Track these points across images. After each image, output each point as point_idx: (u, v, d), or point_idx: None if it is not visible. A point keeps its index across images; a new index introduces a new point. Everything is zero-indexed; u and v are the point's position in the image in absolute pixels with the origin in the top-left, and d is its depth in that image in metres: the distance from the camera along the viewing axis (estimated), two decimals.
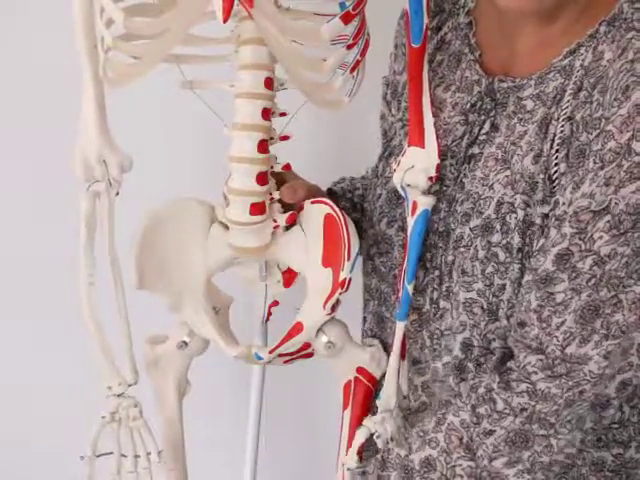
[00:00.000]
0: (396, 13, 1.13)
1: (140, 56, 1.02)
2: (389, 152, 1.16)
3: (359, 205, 1.24)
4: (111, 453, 1.16)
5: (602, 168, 0.91)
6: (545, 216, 0.97)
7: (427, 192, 1.04)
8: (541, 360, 0.94)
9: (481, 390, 0.99)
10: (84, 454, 1.16)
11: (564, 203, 0.94)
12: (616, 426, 1.04)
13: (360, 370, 1.12)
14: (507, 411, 0.96)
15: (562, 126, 0.97)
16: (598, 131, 0.92)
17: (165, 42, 1.00)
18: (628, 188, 0.89)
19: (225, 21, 0.95)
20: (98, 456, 1.16)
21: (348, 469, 1.08)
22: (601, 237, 0.90)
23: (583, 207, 0.91)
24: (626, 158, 0.89)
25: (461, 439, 0.99)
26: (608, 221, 0.90)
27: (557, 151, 0.97)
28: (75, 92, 1.09)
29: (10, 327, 1.68)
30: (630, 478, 1.06)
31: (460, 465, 0.99)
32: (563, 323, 0.92)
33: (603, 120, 0.92)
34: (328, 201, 1.08)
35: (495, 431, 0.97)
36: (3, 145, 1.60)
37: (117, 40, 1.01)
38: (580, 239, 0.91)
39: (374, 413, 1.09)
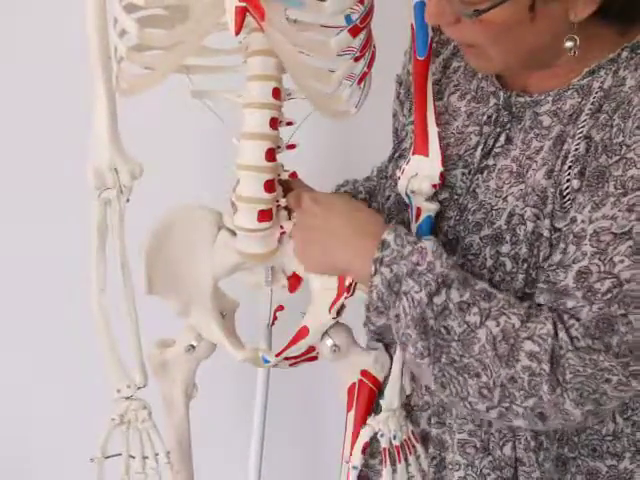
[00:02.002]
0: (399, 25, 1.15)
1: (153, 67, 1.05)
2: (399, 154, 1.18)
3: None
4: (119, 454, 1.19)
5: (625, 195, 0.92)
6: (554, 229, 0.98)
7: (431, 199, 1.07)
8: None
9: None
10: (93, 456, 1.18)
11: (583, 221, 0.95)
12: (610, 438, 1.06)
13: (364, 373, 1.15)
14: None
15: (577, 144, 0.99)
16: (619, 157, 0.94)
17: (178, 53, 1.03)
18: None
19: (237, 34, 0.98)
20: (107, 458, 1.18)
21: (353, 467, 1.11)
22: (622, 261, 0.91)
23: (604, 228, 0.93)
24: None
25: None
26: (630, 246, 0.91)
27: (570, 167, 0.99)
28: (87, 99, 1.11)
29: (19, 328, 1.70)
30: None
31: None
32: (582, 323, 0.92)
33: (624, 147, 0.94)
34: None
35: None
36: (13, 151, 1.62)
37: (130, 51, 1.04)
38: (600, 260, 0.92)
39: (378, 413, 1.12)
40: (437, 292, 0.96)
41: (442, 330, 0.95)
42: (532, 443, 1.06)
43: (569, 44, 0.98)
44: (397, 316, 0.98)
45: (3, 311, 1.70)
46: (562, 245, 0.97)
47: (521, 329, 0.93)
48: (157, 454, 1.18)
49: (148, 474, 1.18)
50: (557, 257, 0.97)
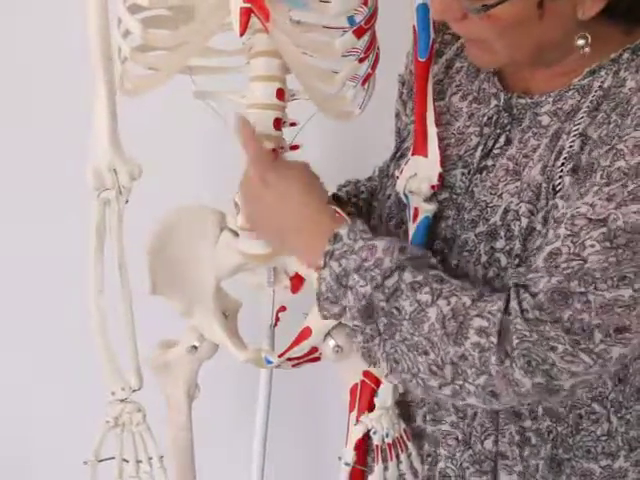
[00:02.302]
0: (402, 27, 1.15)
1: (157, 67, 1.04)
2: (401, 153, 1.18)
3: (364, 209, 1.26)
4: (113, 458, 1.18)
5: (608, 185, 0.93)
6: (545, 220, 0.99)
7: (429, 199, 1.08)
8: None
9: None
10: (86, 459, 1.17)
11: (563, 206, 0.97)
12: (605, 438, 1.07)
13: (366, 373, 1.15)
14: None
15: (572, 141, 1.00)
16: (608, 147, 0.95)
17: (182, 54, 1.03)
18: (630, 207, 0.91)
19: (242, 34, 0.99)
20: (100, 461, 1.18)
21: (345, 464, 1.12)
22: (592, 245, 0.92)
23: (580, 213, 0.94)
24: (632, 180, 0.92)
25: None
26: (603, 232, 0.92)
27: (563, 164, 1.00)
28: (87, 99, 1.11)
29: (18, 328, 1.69)
30: None
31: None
32: (536, 295, 0.93)
33: (616, 137, 0.95)
34: (337, 208, 1.11)
35: None
36: (12, 151, 1.62)
37: (134, 51, 1.03)
38: (572, 242, 0.93)
39: (371, 410, 1.13)
40: (390, 276, 0.96)
41: (394, 311, 0.96)
42: (516, 437, 1.06)
43: (581, 42, 0.98)
44: (344, 308, 0.99)
45: (2, 311, 1.69)
46: (544, 231, 0.98)
47: (471, 307, 0.94)
48: (151, 458, 1.18)
49: (142, 478, 1.18)
50: (537, 242, 0.98)
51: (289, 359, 1.13)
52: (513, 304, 0.93)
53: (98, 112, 1.11)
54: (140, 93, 1.07)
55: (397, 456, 1.13)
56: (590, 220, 0.93)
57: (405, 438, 1.13)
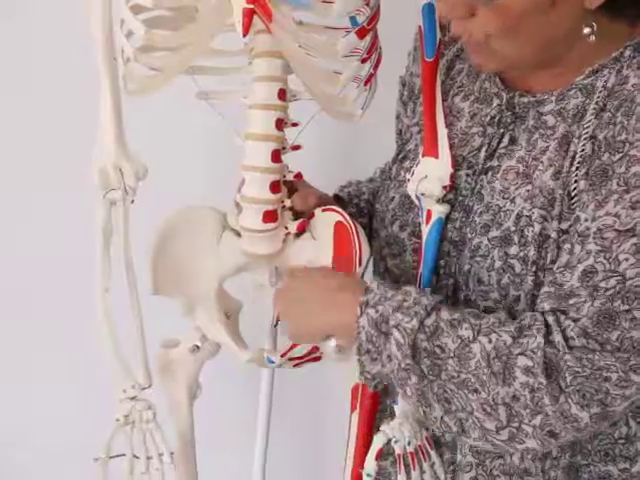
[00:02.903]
0: (404, 28, 1.16)
1: (160, 68, 1.05)
2: (403, 155, 1.18)
3: (366, 210, 1.26)
4: (123, 455, 1.19)
5: (627, 192, 0.93)
6: (562, 231, 0.99)
7: (441, 201, 1.07)
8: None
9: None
10: (97, 456, 1.18)
11: (587, 219, 0.95)
12: (623, 441, 1.06)
13: None
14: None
15: (584, 145, 0.99)
16: (622, 154, 0.95)
17: (186, 55, 1.03)
18: None
19: (245, 35, 0.99)
20: (111, 458, 1.18)
21: (367, 475, 1.09)
22: (627, 259, 0.92)
23: (607, 225, 0.93)
24: None
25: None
26: (635, 243, 0.91)
27: (577, 169, 0.99)
28: (93, 100, 1.12)
29: (23, 330, 1.70)
30: None
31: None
32: (578, 320, 0.93)
33: (627, 144, 0.94)
34: (339, 209, 1.11)
35: None
36: (19, 151, 1.62)
37: (137, 52, 1.04)
38: (605, 258, 0.93)
39: (390, 417, 1.12)
40: (427, 316, 0.96)
41: (437, 350, 0.95)
42: (539, 452, 1.05)
43: (587, 30, 0.98)
44: (389, 356, 0.97)
45: (7, 311, 1.70)
46: (568, 245, 0.97)
47: (513, 345, 0.93)
48: (161, 454, 1.19)
49: (152, 474, 1.19)
50: (564, 258, 0.97)
51: (290, 359, 1.13)
52: (557, 337, 0.92)
53: (104, 112, 1.12)
54: (144, 94, 1.08)
55: (420, 465, 1.10)
56: (619, 232, 0.92)
57: (428, 446, 1.11)
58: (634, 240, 0.91)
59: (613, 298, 0.91)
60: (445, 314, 0.96)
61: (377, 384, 1.04)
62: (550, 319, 0.94)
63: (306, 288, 1.06)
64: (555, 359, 0.92)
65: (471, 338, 0.94)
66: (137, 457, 1.18)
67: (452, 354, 0.94)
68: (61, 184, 1.55)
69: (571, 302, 0.94)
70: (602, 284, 0.92)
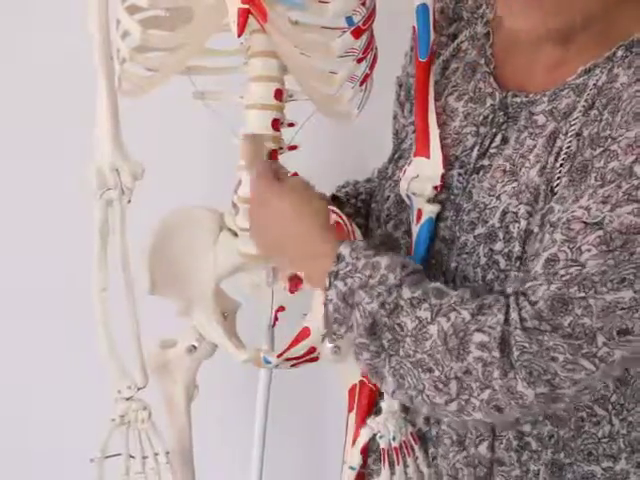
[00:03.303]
0: (399, 28, 1.16)
1: (156, 68, 1.05)
2: (399, 155, 1.18)
3: (363, 210, 1.26)
4: (119, 455, 1.19)
5: (602, 186, 0.93)
6: (542, 224, 0.99)
7: (432, 200, 1.07)
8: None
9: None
10: (93, 456, 1.18)
11: (559, 210, 0.96)
12: (606, 440, 1.06)
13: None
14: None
15: (569, 142, 0.99)
16: (602, 149, 0.94)
17: (182, 55, 1.03)
18: (624, 208, 0.91)
19: (240, 35, 0.99)
20: (106, 457, 1.18)
21: (350, 467, 1.11)
22: (589, 250, 0.91)
23: (576, 217, 0.93)
24: (626, 180, 0.91)
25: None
26: (599, 236, 0.91)
27: (561, 165, 0.99)
28: (89, 99, 1.12)
29: (19, 330, 1.70)
30: None
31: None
32: (535, 303, 0.93)
33: (609, 139, 0.94)
34: (335, 209, 1.11)
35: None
36: (14, 152, 1.63)
37: (133, 52, 1.04)
38: (568, 248, 0.93)
39: (377, 413, 1.12)
40: (389, 295, 0.97)
41: (396, 327, 0.96)
42: (514, 443, 1.06)
43: None
44: (351, 326, 0.99)
45: (4, 311, 1.70)
46: (540, 235, 0.98)
47: (471, 322, 0.94)
48: (157, 454, 1.19)
49: (148, 474, 1.19)
50: (535, 246, 0.98)
51: (288, 359, 1.13)
52: (513, 315, 0.93)
53: (100, 112, 1.12)
54: (139, 94, 1.08)
55: (404, 460, 1.12)
56: (586, 224, 0.92)
57: (412, 442, 1.13)
58: (599, 233, 0.91)
59: (569, 284, 0.91)
60: (407, 292, 0.96)
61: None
62: (511, 300, 0.95)
63: (276, 219, 1.05)
64: (508, 335, 0.92)
65: (429, 319, 0.95)
66: (133, 457, 1.18)
67: (409, 333, 0.96)
68: (57, 184, 1.55)
69: (529, 284, 0.94)
70: (562, 272, 0.92)
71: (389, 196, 1.15)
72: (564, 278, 0.92)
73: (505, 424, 1.04)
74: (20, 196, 1.64)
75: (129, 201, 1.14)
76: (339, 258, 1.00)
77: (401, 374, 0.97)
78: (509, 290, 0.97)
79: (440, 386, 0.95)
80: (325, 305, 1.00)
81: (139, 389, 1.18)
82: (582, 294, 0.91)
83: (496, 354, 0.92)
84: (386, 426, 1.11)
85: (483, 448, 1.06)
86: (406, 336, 0.95)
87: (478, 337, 0.93)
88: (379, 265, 0.98)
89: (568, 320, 0.91)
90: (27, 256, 1.66)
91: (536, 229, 0.99)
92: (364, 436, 1.12)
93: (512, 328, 0.92)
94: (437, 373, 0.94)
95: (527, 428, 1.05)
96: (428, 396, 0.96)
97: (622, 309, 0.90)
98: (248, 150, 1.06)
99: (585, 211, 0.93)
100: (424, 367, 0.95)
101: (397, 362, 0.97)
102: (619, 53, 1.00)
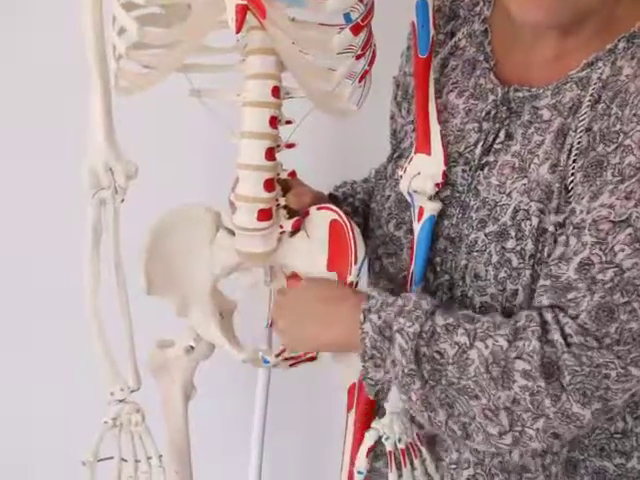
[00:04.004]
0: (398, 22, 1.15)
1: (153, 65, 1.04)
2: (399, 154, 1.17)
3: (360, 209, 1.26)
4: (112, 458, 1.18)
5: (622, 182, 0.93)
6: (558, 224, 0.99)
7: (433, 198, 1.07)
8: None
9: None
10: (85, 459, 1.17)
11: (582, 211, 0.96)
12: (619, 436, 1.06)
13: None
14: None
15: (580, 137, 0.99)
16: (616, 145, 0.95)
17: (178, 52, 1.02)
18: None
19: (238, 32, 0.98)
20: (99, 461, 1.17)
21: (359, 472, 1.10)
22: (622, 250, 0.92)
23: (602, 216, 0.93)
24: None
25: None
26: (630, 234, 0.91)
27: (574, 161, 0.99)
28: (83, 98, 1.10)
29: (11, 331, 1.69)
30: None
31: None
32: (577, 317, 0.93)
33: (622, 134, 0.95)
34: (334, 207, 1.11)
35: None
36: (8, 150, 1.61)
37: (130, 49, 1.03)
38: (600, 250, 0.93)
39: (381, 415, 1.11)
40: (425, 321, 0.97)
41: (435, 355, 0.96)
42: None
43: None
44: (393, 362, 0.98)
45: (0, 312, 1.69)
46: (563, 237, 0.97)
47: (510, 349, 0.93)
48: (149, 458, 1.18)
49: (140, 478, 1.18)
50: (559, 250, 0.97)
51: (286, 359, 1.13)
52: (555, 336, 0.92)
53: (94, 111, 1.11)
54: (135, 91, 1.07)
55: (411, 462, 1.11)
56: (614, 223, 0.92)
57: (419, 443, 1.11)
58: (629, 230, 0.92)
59: (612, 291, 0.92)
60: (439, 319, 0.97)
61: (378, 391, 1.05)
62: (548, 316, 0.94)
63: (305, 302, 1.07)
64: (554, 358, 0.92)
65: (468, 344, 0.95)
66: (125, 460, 1.17)
67: (451, 360, 0.95)
68: (52, 183, 1.54)
69: (570, 297, 0.94)
70: (599, 276, 0.92)
71: (390, 195, 1.15)
72: (606, 286, 0.92)
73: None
74: (14, 196, 1.63)
75: (122, 200, 1.13)
76: (368, 298, 1.01)
77: (448, 402, 0.96)
78: (544, 302, 0.96)
79: (490, 415, 0.94)
80: (361, 341, 0.99)
81: (132, 391, 1.17)
82: (625, 299, 0.91)
83: (541, 383, 0.92)
84: (391, 428, 1.09)
85: (516, 455, 1.06)
86: (448, 364, 0.95)
87: (520, 365, 0.93)
88: (409, 296, 1.00)
89: (614, 328, 0.91)
90: (20, 256, 1.65)
91: (551, 228, 0.99)
92: (370, 439, 1.10)
93: (559, 352, 0.92)
94: (484, 401, 0.94)
95: None
96: (480, 424, 0.95)
97: None
98: None
99: (610, 209, 0.93)
100: (470, 394, 0.95)
101: (442, 391, 0.96)
102: (621, 45, 1.01)
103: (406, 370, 0.97)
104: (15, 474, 1.75)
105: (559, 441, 0.95)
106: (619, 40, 1.01)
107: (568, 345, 0.92)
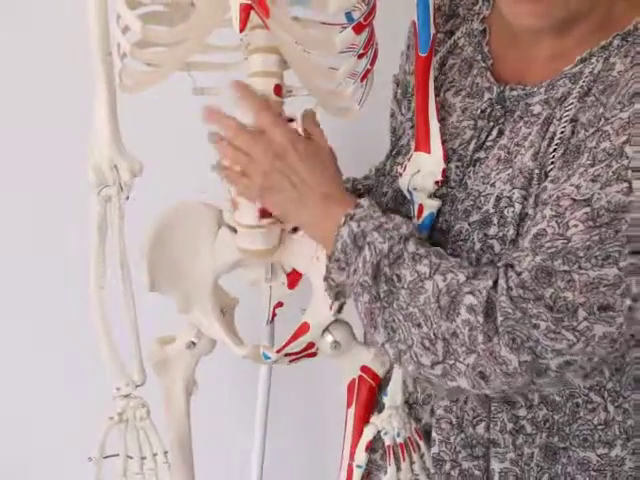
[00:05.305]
0: (399, 21, 1.16)
1: (157, 64, 1.05)
2: (397, 151, 1.19)
3: None
4: (117, 455, 1.19)
5: (593, 165, 0.95)
6: (536, 205, 1.00)
7: (433, 195, 1.08)
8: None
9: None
10: (91, 456, 1.18)
11: (552, 189, 0.98)
12: (602, 427, 1.07)
13: (364, 369, 1.16)
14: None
15: (563, 127, 1.01)
16: (595, 129, 0.97)
17: (182, 51, 1.03)
18: (614, 187, 0.93)
19: (242, 31, 0.99)
20: (105, 458, 1.18)
21: (358, 467, 1.11)
22: (576, 225, 0.93)
23: (565, 194, 0.95)
24: (617, 160, 0.93)
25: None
26: (586, 212, 0.93)
27: (555, 150, 1.01)
28: (88, 96, 1.11)
29: (16, 328, 1.69)
30: (615, 475, 1.08)
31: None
32: (520, 274, 0.95)
33: (602, 119, 0.96)
34: None
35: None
36: (13, 148, 1.62)
37: (134, 47, 1.03)
38: (556, 222, 0.95)
39: (380, 410, 1.12)
40: (397, 243, 0.99)
41: (394, 277, 0.99)
42: (509, 425, 1.07)
43: None
44: (355, 270, 1.01)
45: (3, 309, 1.69)
46: (532, 212, 1.00)
47: (464, 284, 0.96)
48: (155, 454, 1.19)
49: (146, 474, 1.19)
50: (526, 224, 0.99)
51: (287, 354, 1.14)
52: (501, 282, 0.95)
53: (98, 108, 1.11)
54: (139, 89, 1.07)
55: (410, 456, 1.13)
56: (575, 200, 0.94)
57: (417, 437, 1.13)
58: (587, 209, 0.93)
59: (553, 256, 0.93)
60: (411, 246, 1.00)
61: (337, 293, 1.07)
62: (500, 270, 0.97)
63: (307, 187, 1.04)
64: (494, 300, 0.95)
65: (427, 275, 0.98)
66: (131, 457, 1.18)
67: (406, 286, 0.98)
68: (56, 180, 1.55)
69: (515, 255, 0.97)
70: (547, 244, 0.94)
71: (387, 192, 1.16)
72: (549, 250, 0.94)
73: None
74: (19, 193, 1.63)
75: (127, 198, 1.14)
76: (357, 205, 1.03)
77: (392, 327, 0.99)
78: (499, 263, 0.99)
79: (427, 344, 0.97)
80: (335, 241, 1.02)
81: (137, 386, 1.18)
82: (566, 267, 0.93)
83: (480, 318, 0.94)
84: (390, 422, 1.11)
85: (480, 428, 1.08)
86: (402, 288, 0.98)
87: (468, 299, 0.95)
88: (394, 216, 1.02)
89: (550, 292, 0.93)
90: (24, 253, 1.65)
91: (530, 211, 1.01)
92: (368, 434, 1.12)
93: (498, 295, 0.94)
94: (426, 329, 0.97)
95: (522, 412, 1.06)
96: (416, 354, 0.98)
97: (605, 286, 0.92)
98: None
99: (575, 188, 0.95)
100: (414, 322, 0.97)
101: (390, 314, 0.99)
102: (615, 42, 1.02)
103: (361, 280, 1.00)
104: (16, 472, 1.76)
105: (486, 383, 0.96)
106: (614, 37, 1.02)
107: (508, 294, 0.94)
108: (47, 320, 1.66)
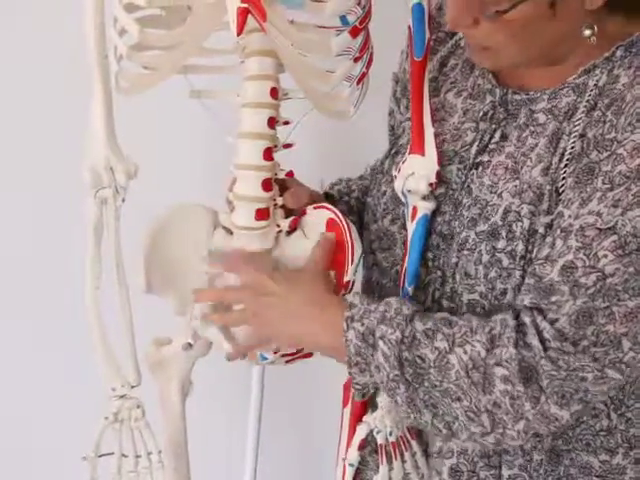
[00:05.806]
0: (395, 27, 1.17)
1: (154, 66, 1.06)
2: (396, 150, 1.19)
3: (356, 207, 1.27)
4: (112, 453, 1.19)
5: (611, 190, 0.95)
6: (548, 226, 1.00)
7: (427, 197, 1.09)
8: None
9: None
10: (85, 455, 1.18)
11: (570, 216, 0.97)
12: (604, 433, 1.08)
13: None
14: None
15: (573, 142, 1.01)
16: (609, 152, 0.97)
17: (179, 54, 1.04)
18: (635, 212, 0.93)
19: (239, 34, 0.99)
20: (100, 456, 1.19)
21: (350, 465, 1.12)
22: (606, 255, 0.94)
23: (589, 223, 0.95)
24: (635, 183, 0.94)
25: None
26: (614, 241, 0.93)
27: (566, 166, 1.01)
28: (84, 98, 1.12)
29: (12, 328, 1.70)
30: None
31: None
32: (556, 321, 0.95)
33: (615, 143, 0.96)
34: (330, 206, 1.12)
35: None
36: (10, 150, 1.62)
37: (131, 50, 1.04)
38: (585, 254, 0.95)
39: (374, 409, 1.13)
40: (406, 326, 0.99)
41: (417, 360, 0.99)
42: None
43: (587, 32, 0.99)
44: (377, 367, 1.00)
45: (1, 310, 1.70)
46: (550, 239, 0.99)
47: (488, 357, 0.96)
48: (150, 453, 1.19)
49: (140, 473, 1.19)
50: (545, 251, 0.99)
51: (283, 355, 1.14)
52: (533, 340, 0.95)
53: (95, 111, 1.12)
54: (136, 92, 1.08)
55: (401, 455, 1.13)
56: (600, 230, 0.94)
57: (409, 437, 1.13)
58: (614, 238, 0.93)
59: (594, 296, 0.94)
60: (419, 324, 0.99)
61: (365, 393, 1.08)
62: (527, 320, 0.97)
63: (286, 296, 1.06)
64: (532, 363, 0.95)
65: (448, 349, 0.98)
66: (125, 456, 1.18)
67: (432, 364, 0.98)
68: (55, 181, 1.55)
69: (552, 299, 0.96)
70: (582, 280, 0.94)
71: (386, 190, 1.16)
72: (589, 291, 0.94)
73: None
74: (15, 195, 1.64)
75: (123, 200, 1.14)
76: (350, 306, 1.03)
77: (432, 403, 0.99)
78: (526, 301, 0.98)
79: (472, 416, 0.97)
80: (346, 348, 1.01)
81: (132, 387, 1.18)
82: (606, 304, 0.94)
83: (520, 387, 0.94)
84: (383, 421, 1.11)
85: None
86: (430, 367, 0.98)
87: (499, 371, 0.95)
88: (390, 302, 1.02)
89: (591, 329, 0.94)
90: (21, 255, 1.66)
91: (541, 229, 1.01)
92: (361, 432, 1.13)
93: (537, 357, 0.94)
94: (466, 403, 0.97)
95: None
96: (464, 423, 0.98)
97: None
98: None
99: (597, 217, 0.95)
100: (453, 397, 0.97)
101: (425, 392, 0.99)
102: (618, 53, 1.02)
103: (391, 376, 0.99)
104: (14, 471, 1.76)
105: (541, 438, 0.98)
106: (617, 48, 1.02)
107: (545, 350, 0.94)
108: (44, 321, 1.66)
